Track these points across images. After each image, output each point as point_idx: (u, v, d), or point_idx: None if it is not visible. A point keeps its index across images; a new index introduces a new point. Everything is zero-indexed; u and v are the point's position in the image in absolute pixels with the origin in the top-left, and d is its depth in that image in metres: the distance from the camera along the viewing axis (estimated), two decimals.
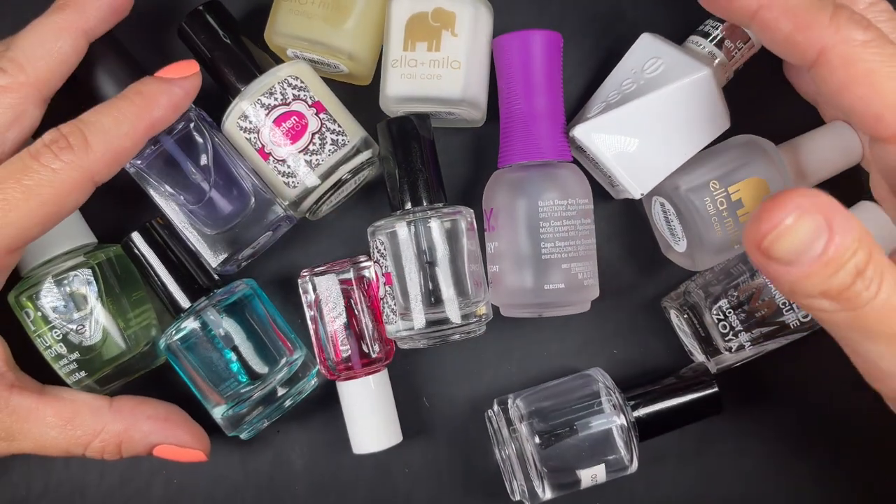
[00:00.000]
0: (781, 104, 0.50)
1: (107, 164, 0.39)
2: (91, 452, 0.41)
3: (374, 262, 0.45)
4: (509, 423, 0.44)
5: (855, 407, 0.49)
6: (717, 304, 0.44)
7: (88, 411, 0.41)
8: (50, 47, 0.39)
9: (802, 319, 0.44)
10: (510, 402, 0.45)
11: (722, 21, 0.45)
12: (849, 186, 0.49)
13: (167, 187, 0.43)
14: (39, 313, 0.42)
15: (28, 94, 0.39)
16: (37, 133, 0.39)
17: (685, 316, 0.46)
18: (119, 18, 0.42)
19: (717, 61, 0.45)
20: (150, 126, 0.40)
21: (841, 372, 0.49)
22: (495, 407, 0.45)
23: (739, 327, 0.44)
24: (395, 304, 0.43)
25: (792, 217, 0.30)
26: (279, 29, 0.44)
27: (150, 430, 0.42)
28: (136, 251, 0.43)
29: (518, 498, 0.45)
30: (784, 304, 0.44)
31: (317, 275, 0.45)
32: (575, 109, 0.49)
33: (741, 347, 0.44)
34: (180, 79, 0.41)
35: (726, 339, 0.44)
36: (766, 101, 0.50)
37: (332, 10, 0.44)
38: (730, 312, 0.44)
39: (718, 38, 0.45)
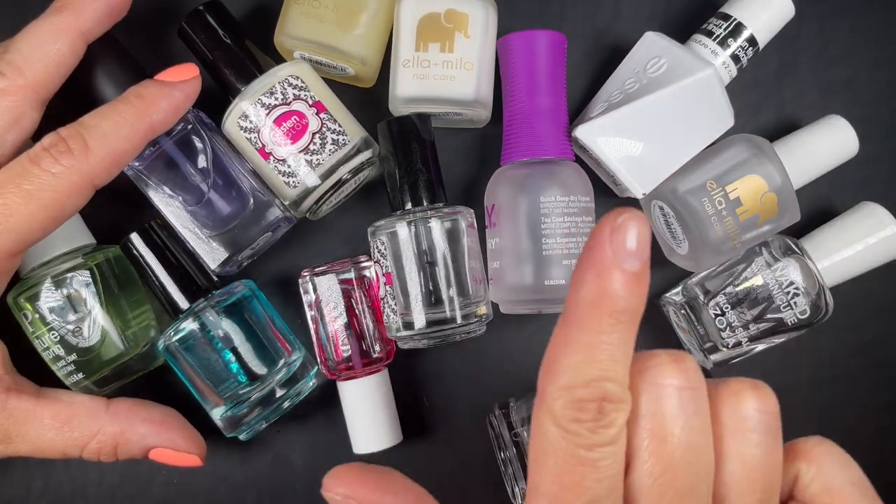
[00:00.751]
0: (781, 104, 0.50)
1: (106, 167, 0.38)
2: (88, 454, 0.41)
3: (375, 262, 0.44)
4: (511, 427, 0.44)
5: (853, 405, 0.49)
6: (715, 301, 0.45)
7: (85, 413, 0.41)
8: (48, 49, 0.39)
9: (800, 317, 0.44)
10: (511, 405, 0.45)
11: (726, 19, 0.45)
12: (846, 186, 0.49)
13: (166, 189, 0.43)
14: (38, 315, 0.42)
15: (26, 96, 0.39)
16: (36, 135, 0.39)
17: (683, 312, 0.46)
18: (116, 19, 0.42)
19: (720, 60, 0.45)
20: (149, 129, 0.40)
21: (839, 370, 0.49)
22: (496, 411, 0.45)
23: (737, 323, 0.44)
24: (395, 304, 0.43)
25: (339, 496, 0.29)
26: (290, 31, 0.44)
27: (147, 432, 0.42)
28: (135, 252, 0.43)
29: (520, 502, 0.45)
30: (783, 302, 0.44)
31: (317, 275, 0.45)
32: (576, 108, 0.49)
33: (738, 344, 0.45)
34: (180, 82, 0.41)
35: (724, 335, 0.44)
36: (765, 100, 0.50)
37: (344, 14, 0.44)
38: (727, 308, 0.44)
39: (722, 36, 0.45)
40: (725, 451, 0.28)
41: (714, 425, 0.28)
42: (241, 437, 0.45)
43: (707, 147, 0.44)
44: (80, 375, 0.43)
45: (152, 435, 0.42)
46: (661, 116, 0.43)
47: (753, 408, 0.28)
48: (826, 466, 0.29)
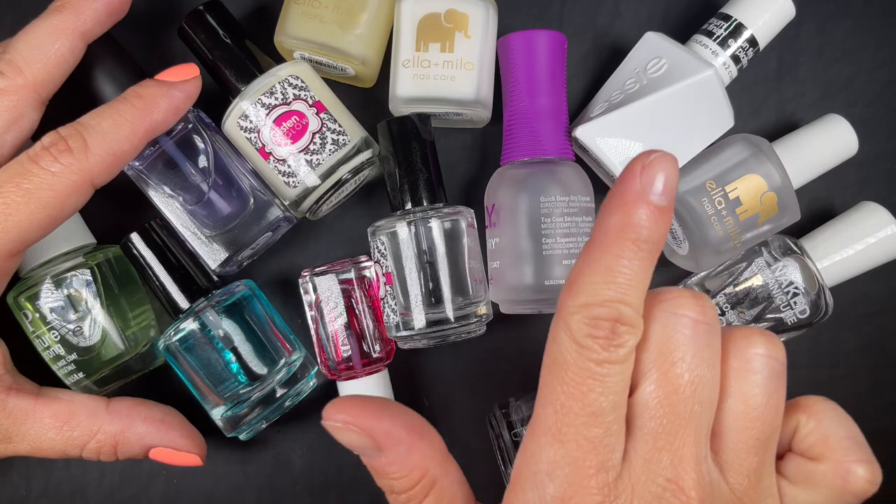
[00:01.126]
0: (781, 104, 0.50)
1: (106, 166, 0.38)
2: (87, 453, 0.41)
3: (375, 262, 0.44)
4: (511, 427, 0.44)
5: (853, 405, 0.49)
6: (715, 301, 0.45)
7: (85, 412, 0.41)
8: (47, 49, 0.39)
9: (800, 316, 0.44)
10: (511, 405, 0.45)
11: (726, 20, 0.45)
12: (846, 186, 0.49)
13: (166, 188, 0.43)
14: (38, 314, 0.42)
15: (26, 96, 0.39)
16: (36, 135, 0.39)
17: None
18: (116, 20, 0.42)
19: (721, 60, 0.45)
20: (149, 129, 0.40)
21: (839, 370, 0.49)
22: (496, 411, 0.45)
23: (737, 323, 0.44)
24: (395, 304, 0.43)
25: (339, 423, 0.31)
26: (290, 32, 0.44)
27: (146, 431, 0.42)
28: (135, 252, 0.43)
29: None
30: (782, 301, 0.44)
31: (317, 275, 0.45)
32: (576, 108, 0.49)
33: None
34: (181, 82, 0.41)
35: None
36: (765, 100, 0.50)
37: (344, 14, 0.44)
38: (727, 308, 0.44)
39: (723, 37, 0.45)
40: (729, 388, 0.29)
41: (721, 365, 0.29)
42: (242, 436, 0.45)
43: (706, 147, 0.44)
44: (81, 375, 0.43)
45: (152, 434, 0.42)
46: (662, 117, 0.43)
47: (761, 352, 0.30)
48: (825, 421, 0.31)
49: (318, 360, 0.46)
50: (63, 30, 0.39)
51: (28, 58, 0.39)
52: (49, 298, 0.42)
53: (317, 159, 0.43)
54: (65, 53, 0.40)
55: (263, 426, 0.45)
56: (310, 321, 0.46)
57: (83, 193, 0.38)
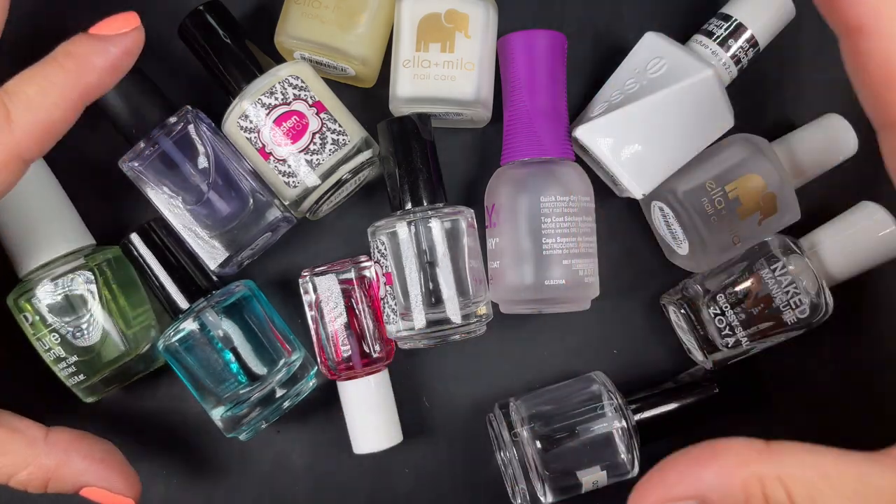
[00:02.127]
0: (781, 104, 0.50)
1: (36, 139, 0.34)
2: (15, 483, 0.38)
3: (375, 262, 0.45)
4: (510, 426, 0.44)
5: (857, 405, 0.49)
6: (715, 301, 0.44)
7: (23, 441, 0.38)
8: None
9: (800, 316, 0.44)
10: (511, 405, 0.45)
11: (726, 20, 0.45)
12: (846, 186, 0.49)
13: (166, 188, 0.43)
14: (38, 316, 0.42)
15: None
16: None
17: (682, 311, 0.45)
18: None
19: (721, 60, 0.45)
20: (83, 93, 0.35)
21: (840, 370, 0.49)
22: (496, 410, 0.45)
23: (737, 323, 0.44)
24: (395, 304, 0.43)
25: None
26: (290, 32, 0.44)
27: (84, 469, 0.39)
28: (135, 252, 0.43)
29: (519, 501, 0.45)
30: (782, 301, 0.44)
31: (317, 275, 0.45)
32: (576, 108, 0.49)
33: (738, 343, 0.44)
34: (117, 35, 0.36)
35: (723, 335, 0.44)
36: (765, 100, 0.50)
37: (344, 14, 0.44)
38: (727, 308, 0.44)
39: (723, 37, 0.45)
40: None
41: None
42: (242, 437, 0.45)
43: (706, 147, 0.44)
44: (82, 377, 0.43)
45: (90, 473, 0.39)
46: (662, 117, 0.43)
47: None
48: None
49: (318, 360, 0.46)
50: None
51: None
52: (49, 300, 0.42)
53: (317, 159, 0.43)
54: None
55: (263, 426, 0.45)
56: (310, 321, 0.46)
57: (11, 171, 0.34)
